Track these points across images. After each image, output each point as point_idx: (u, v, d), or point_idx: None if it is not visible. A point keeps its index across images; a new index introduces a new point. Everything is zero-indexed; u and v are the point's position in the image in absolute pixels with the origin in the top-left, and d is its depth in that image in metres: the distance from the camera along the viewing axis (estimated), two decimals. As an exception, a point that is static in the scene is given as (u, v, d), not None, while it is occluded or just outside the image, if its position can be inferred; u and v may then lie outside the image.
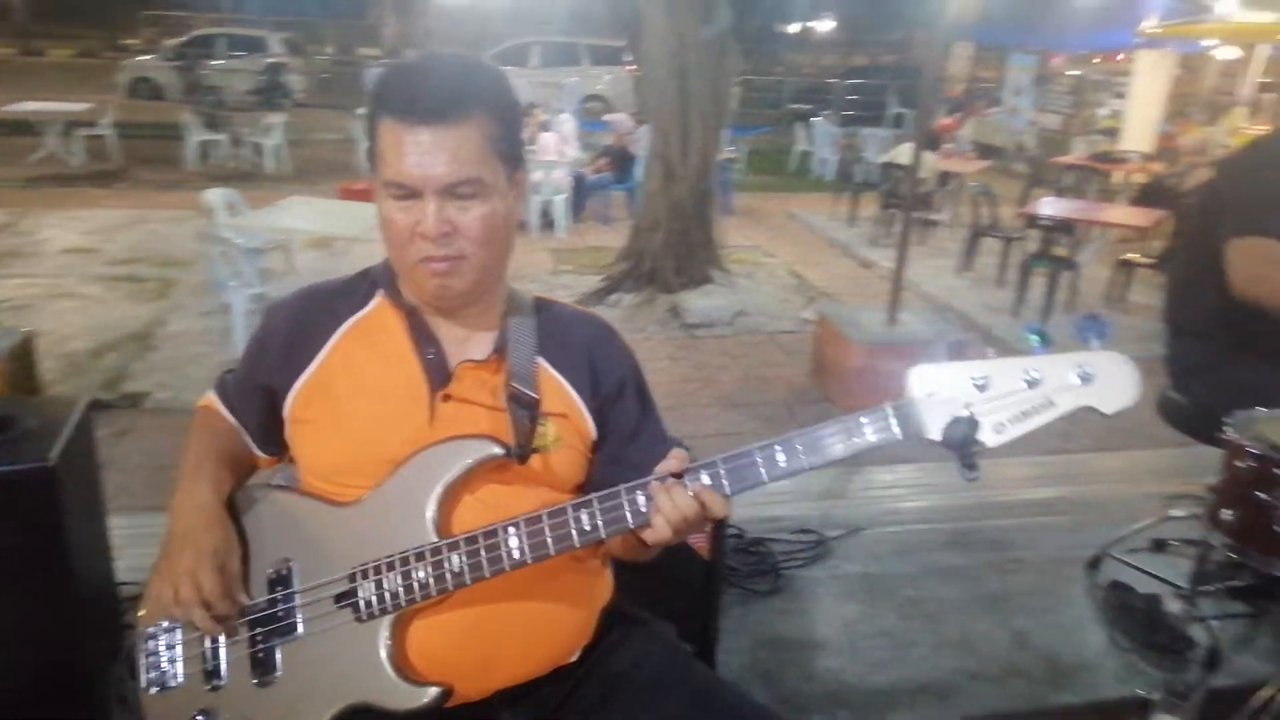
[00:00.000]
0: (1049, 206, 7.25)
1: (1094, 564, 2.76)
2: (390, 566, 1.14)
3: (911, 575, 2.70)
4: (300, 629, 1.16)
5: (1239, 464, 1.85)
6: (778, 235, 9.27)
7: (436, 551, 1.12)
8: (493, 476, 1.20)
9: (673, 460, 1.10)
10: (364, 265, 1.34)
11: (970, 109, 14.62)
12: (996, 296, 7.14)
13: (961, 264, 7.77)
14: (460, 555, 1.12)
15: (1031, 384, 1.03)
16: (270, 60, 16.83)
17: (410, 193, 1.13)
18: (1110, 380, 1.02)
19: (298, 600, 1.18)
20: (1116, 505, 3.14)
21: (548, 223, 8.67)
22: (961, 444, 1.04)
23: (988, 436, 1.04)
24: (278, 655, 1.17)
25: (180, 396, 4.52)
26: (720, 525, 2.40)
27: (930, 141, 10.18)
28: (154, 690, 1.20)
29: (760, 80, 19.67)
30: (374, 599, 1.13)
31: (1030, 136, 12.72)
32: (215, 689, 1.18)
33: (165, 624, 1.22)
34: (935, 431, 1.04)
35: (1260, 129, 9.26)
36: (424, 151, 1.11)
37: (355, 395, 1.24)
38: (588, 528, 1.10)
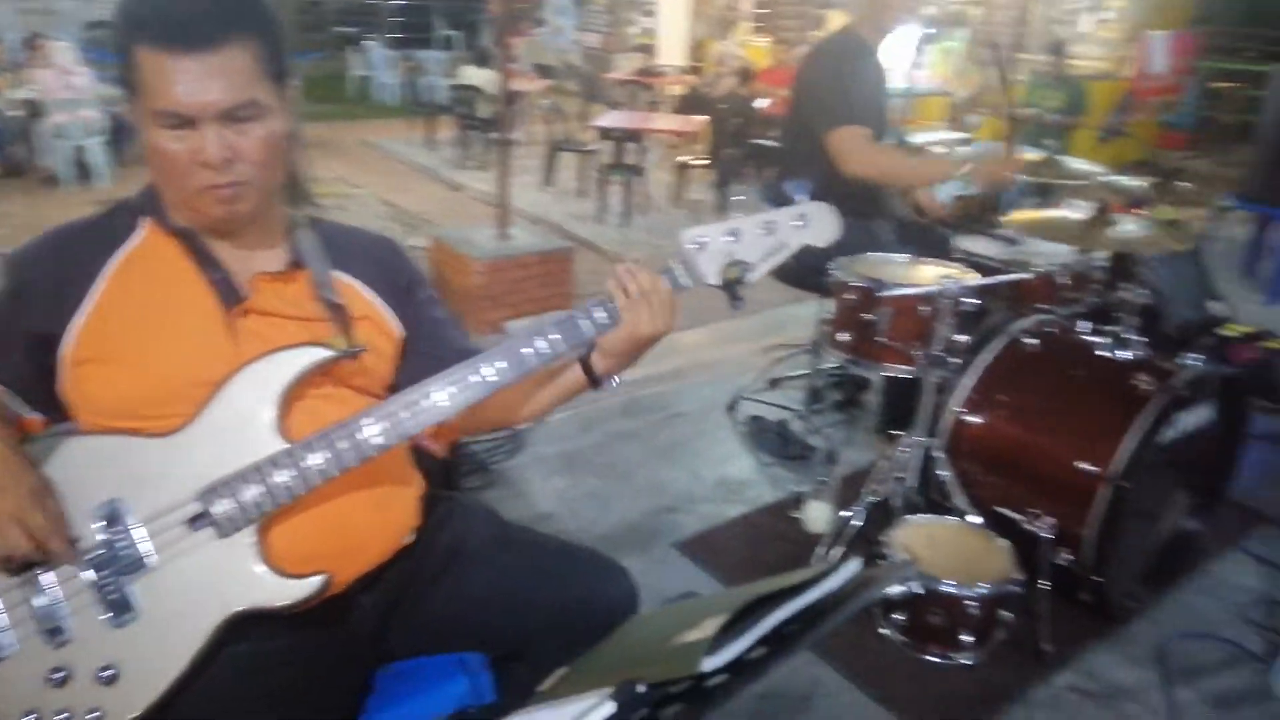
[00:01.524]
0: (613, 119, 7.94)
1: (732, 407, 3.34)
2: (245, 478, 1.13)
3: (599, 444, 3.06)
4: (152, 561, 1.12)
5: (846, 296, 2.40)
6: (358, 164, 9.02)
7: (292, 454, 1.15)
8: (318, 382, 1.23)
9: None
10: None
11: (516, 29, 15.14)
12: (580, 206, 7.71)
13: (544, 179, 8.24)
14: (320, 453, 1.15)
15: (769, 231, 1.33)
16: None
17: (185, 121, 1.10)
18: (820, 223, 1.34)
19: (141, 534, 1.12)
20: (732, 363, 3.77)
21: (85, 171, 7.53)
22: (734, 284, 1.31)
23: (748, 275, 1.33)
24: (132, 592, 1.11)
25: None
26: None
27: (484, 59, 10.47)
28: (-16, 667, 1.08)
29: (298, 2, 18.38)
30: (235, 512, 1.13)
31: (576, 55, 13.58)
32: (63, 644, 1.09)
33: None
34: (713, 276, 1.30)
35: (762, 40, 10.91)
36: (195, 79, 1.08)
37: (146, 325, 1.19)
38: (445, 403, 1.19)
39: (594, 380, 1.33)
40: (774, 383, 3.51)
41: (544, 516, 2.62)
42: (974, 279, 2.29)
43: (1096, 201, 2.34)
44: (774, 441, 3.09)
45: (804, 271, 2.79)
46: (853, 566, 0.95)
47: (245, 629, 1.16)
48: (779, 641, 0.87)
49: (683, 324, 4.34)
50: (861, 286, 2.35)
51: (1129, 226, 2.34)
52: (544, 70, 12.87)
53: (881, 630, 2.20)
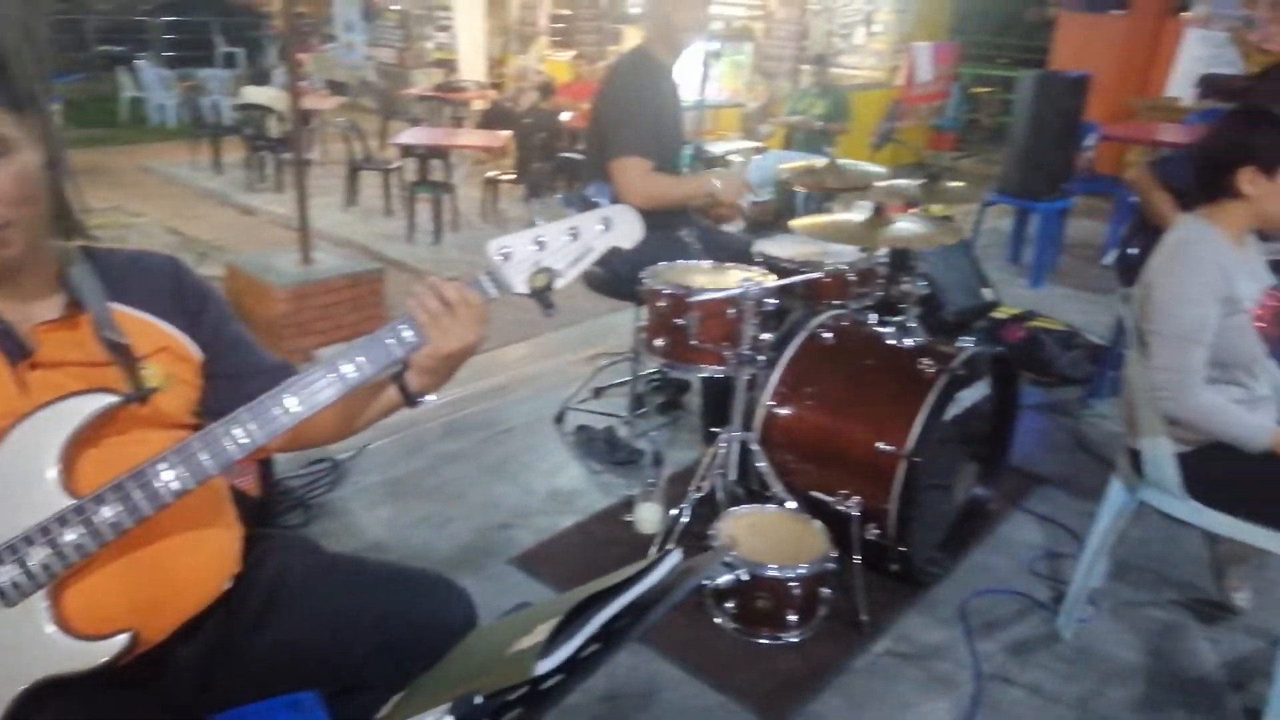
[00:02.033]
0: (416, 136, 7.79)
1: (559, 419, 3.36)
2: (30, 540, 1.05)
3: (426, 468, 3.00)
4: (-70, 643, 1.02)
5: (659, 304, 2.48)
6: (137, 192, 8.38)
7: (81, 510, 1.07)
8: (110, 430, 1.15)
9: None
10: None
11: (305, 45, 14.56)
12: (388, 226, 7.52)
13: (346, 199, 7.97)
14: (112, 505, 1.08)
15: (575, 237, 1.36)
16: None
17: None
18: (623, 224, 1.40)
19: (-88, 616, 1.02)
20: (555, 374, 3.79)
21: None
22: (543, 291, 1.33)
23: (557, 282, 1.36)
24: (-91, 680, 1.01)
25: None
26: (267, 462, 2.40)
27: (263, 77, 9.99)
28: None
29: (54, 19, 16.82)
30: (21, 578, 1.04)
31: (370, 71, 13.21)
32: None
33: None
34: (521, 285, 1.32)
35: (562, 54, 11.01)
36: None
37: None
38: (246, 441, 1.14)
39: (410, 399, 1.31)
40: (598, 392, 3.57)
41: (373, 547, 2.54)
42: (773, 280, 2.43)
43: (873, 203, 2.53)
44: (602, 449, 3.14)
45: (618, 281, 2.88)
46: (674, 558, 1.00)
47: (48, 698, 1.07)
48: (610, 637, 0.91)
49: (504, 339, 4.32)
50: (671, 293, 2.43)
51: (905, 224, 2.55)
52: (337, 87, 12.47)
53: (716, 620, 2.29)
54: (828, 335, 2.57)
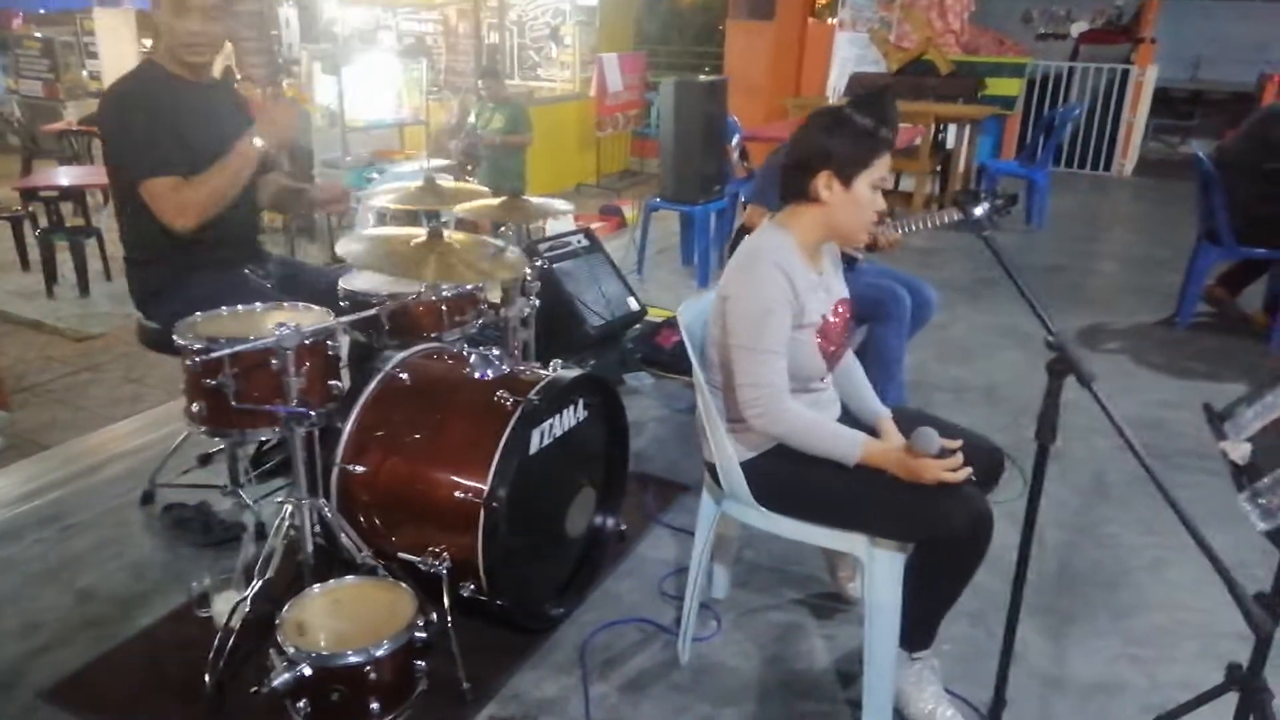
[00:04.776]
0: (48, 177, 6.84)
1: (146, 499, 2.88)
2: None
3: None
4: None
5: (189, 363, 2.09)
6: None
7: None
8: None
9: None
10: None
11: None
12: (25, 281, 6.54)
13: (-33, 257, 6.86)
14: None
15: None
16: None
17: None
18: None
19: None
20: (160, 444, 3.23)
21: None
22: None
23: None
24: None
25: None
26: None
27: None
28: None
29: None
30: None
31: (14, 106, 11.62)
32: None
33: None
34: None
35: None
36: None
37: None
38: None
39: None
40: (205, 459, 3.11)
41: None
42: (316, 322, 2.13)
43: (429, 225, 2.30)
44: (195, 528, 2.71)
45: (160, 336, 2.47)
46: None
47: None
48: None
49: (109, 416, 3.64)
50: (201, 349, 2.07)
51: (463, 250, 2.32)
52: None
53: (290, 726, 1.96)
54: (404, 376, 2.32)
